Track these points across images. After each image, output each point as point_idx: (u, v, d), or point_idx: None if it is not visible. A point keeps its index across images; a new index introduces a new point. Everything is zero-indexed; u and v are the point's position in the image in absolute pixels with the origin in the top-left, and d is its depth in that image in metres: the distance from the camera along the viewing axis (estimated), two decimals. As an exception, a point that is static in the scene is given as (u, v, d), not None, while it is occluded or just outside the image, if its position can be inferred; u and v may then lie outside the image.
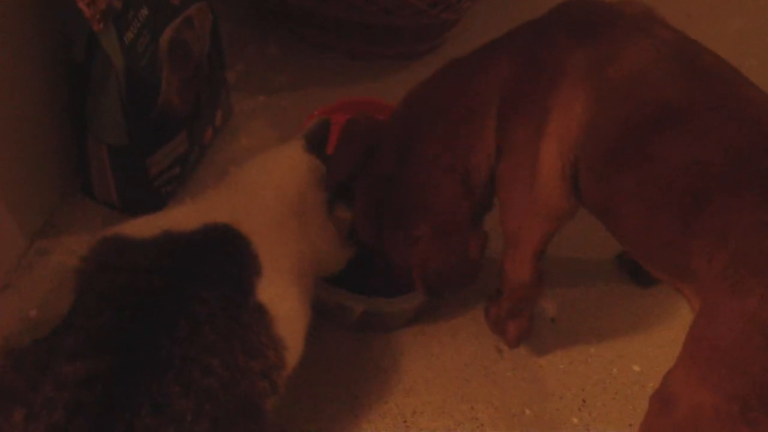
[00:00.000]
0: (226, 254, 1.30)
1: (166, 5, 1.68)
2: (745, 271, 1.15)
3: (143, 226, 1.33)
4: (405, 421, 1.56)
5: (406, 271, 1.48)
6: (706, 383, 1.16)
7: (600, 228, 1.77)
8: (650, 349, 1.71)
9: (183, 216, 1.37)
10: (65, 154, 1.79)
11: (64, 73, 1.68)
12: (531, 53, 1.37)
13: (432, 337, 1.70)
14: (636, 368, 1.68)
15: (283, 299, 1.32)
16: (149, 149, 1.76)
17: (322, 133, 1.57)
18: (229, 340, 1.23)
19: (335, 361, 1.63)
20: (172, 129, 1.79)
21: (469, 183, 1.43)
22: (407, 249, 1.44)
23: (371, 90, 2.03)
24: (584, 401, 1.62)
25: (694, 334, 1.20)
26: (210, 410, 1.18)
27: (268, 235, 1.35)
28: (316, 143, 1.55)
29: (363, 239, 1.49)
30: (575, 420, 1.59)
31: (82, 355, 1.19)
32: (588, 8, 1.39)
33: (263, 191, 1.43)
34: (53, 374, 1.16)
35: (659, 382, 1.24)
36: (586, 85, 1.31)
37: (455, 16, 2.19)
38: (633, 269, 1.82)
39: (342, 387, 1.58)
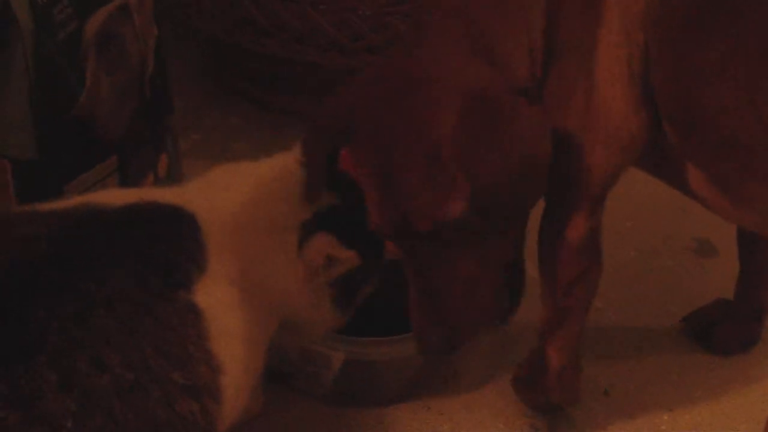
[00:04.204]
0: (155, 233, 1.09)
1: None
2: None
3: (60, 201, 1.13)
4: None
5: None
6: None
7: (658, 290, 1.55)
8: (740, 425, 1.35)
9: (123, 193, 1.20)
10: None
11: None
12: None
13: (440, 413, 1.35)
14: (725, 447, 1.31)
15: (230, 312, 1.10)
16: (68, 171, 1.41)
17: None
18: (136, 336, 1.00)
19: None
20: (99, 151, 1.46)
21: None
22: (434, 159, 1.06)
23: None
24: (660, 489, 1.23)
25: None
26: (101, 423, 0.94)
27: (228, 234, 1.14)
28: None
29: (378, 220, 1.13)
30: None
31: None
32: None
33: (236, 191, 1.21)
34: None
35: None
36: None
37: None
38: (704, 334, 1.46)
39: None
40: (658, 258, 1.62)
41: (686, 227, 1.63)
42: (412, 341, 1.24)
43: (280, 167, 1.24)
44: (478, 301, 1.15)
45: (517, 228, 1.16)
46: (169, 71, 1.69)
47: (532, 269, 1.24)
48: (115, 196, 1.14)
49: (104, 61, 1.43)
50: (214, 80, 2.06)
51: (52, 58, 1.34)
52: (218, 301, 1.08)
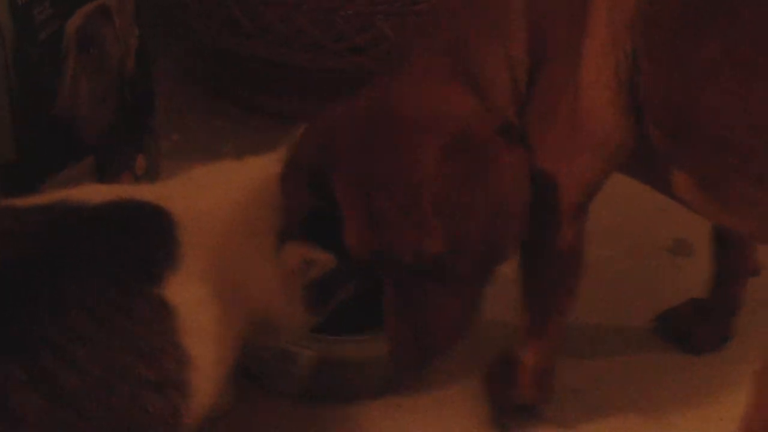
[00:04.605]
0: (133, 231, 1.11)
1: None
2: None
3: (38, 197, 1.14)
4: None
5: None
6: None
7: (631, 290, 1.55)
8: (711, 424, 1.35)
9: (101, 189, 1.18)
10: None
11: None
12: None
13: (410, 411, 1.35)
14: (696, 446, 1.31)
15: (202, 308, 1.10)
16: (44, 171, 1.43)
17: None
18: (106, 332, 1.01)
19: (276, 438, 1.28)
20: (76, 150, 1.48)
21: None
22: (414, 201, 1.08)
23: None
24: (627, 488, 1.23)
25: None
26: (70, 420, 0.96)
27: (204, 232, 1.15)
28: None
29: (355, 247, 1.14)
30: None
31: None
32: None
33: (216, 190, 1.22)
34: None
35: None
36: None
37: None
38: (677, 333, 1.46)
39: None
40: (633, 257, 1.62)
41: (664, 227, 1.63)
42: (382, 339, 1.25)
43: (261, 168, 1.24)
44: (452, 322, 1.17)
45: (496, 268, 1.17)
46: (153, 72, 1.70)
47: (508, 269, 1.23)
48: (93, 193, 1.15)
49: (84, 61, 1.45)
50: (197, 82, 2.06)
51: (32, 60, 1.35)
52: (191, 297, 1.08)
